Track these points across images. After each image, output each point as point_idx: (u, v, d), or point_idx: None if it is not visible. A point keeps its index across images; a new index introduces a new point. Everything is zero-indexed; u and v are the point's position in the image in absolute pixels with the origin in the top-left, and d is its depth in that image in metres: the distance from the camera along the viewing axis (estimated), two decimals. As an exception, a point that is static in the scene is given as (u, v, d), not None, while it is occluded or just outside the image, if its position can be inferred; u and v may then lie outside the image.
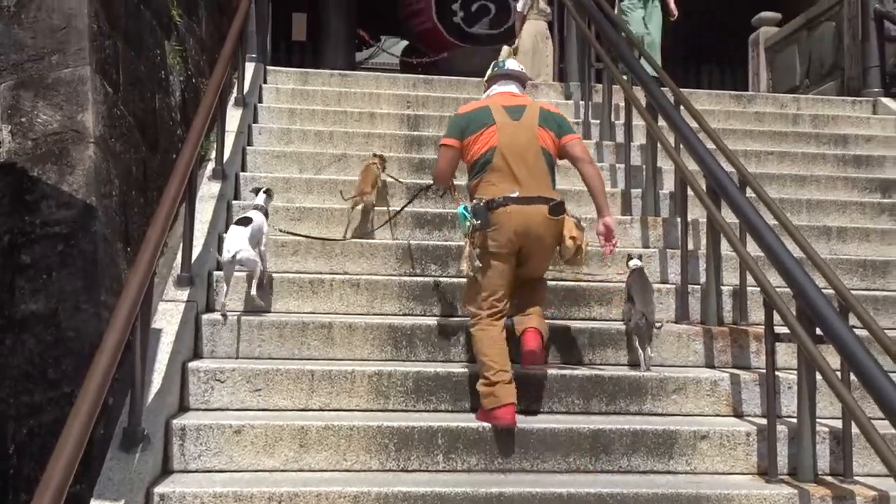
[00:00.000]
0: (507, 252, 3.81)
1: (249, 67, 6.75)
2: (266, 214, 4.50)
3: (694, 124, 5.46)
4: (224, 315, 4.12)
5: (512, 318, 3.92)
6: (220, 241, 4.67)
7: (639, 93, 5.75)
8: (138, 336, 3.10)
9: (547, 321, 4.05)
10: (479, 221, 3.79)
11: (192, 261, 4.17)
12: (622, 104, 6.13)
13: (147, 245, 3.30)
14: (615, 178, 5.97)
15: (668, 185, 5.71)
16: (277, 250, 4.74)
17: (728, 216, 4.36)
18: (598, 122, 6.62)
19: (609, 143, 6.38)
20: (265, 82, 7.07)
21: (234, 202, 5.10)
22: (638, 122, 5.87)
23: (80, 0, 3.93)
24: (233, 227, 4.31)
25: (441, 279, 4.61)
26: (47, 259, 3.54)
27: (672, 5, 8.40)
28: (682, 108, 5.60)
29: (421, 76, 7.54)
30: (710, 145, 5.18)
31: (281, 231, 4.92)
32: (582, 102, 7.03)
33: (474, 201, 3.87)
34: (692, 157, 4.74)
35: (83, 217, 3.64)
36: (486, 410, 3.65)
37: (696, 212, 5.08)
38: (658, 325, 4.23)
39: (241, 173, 5.46)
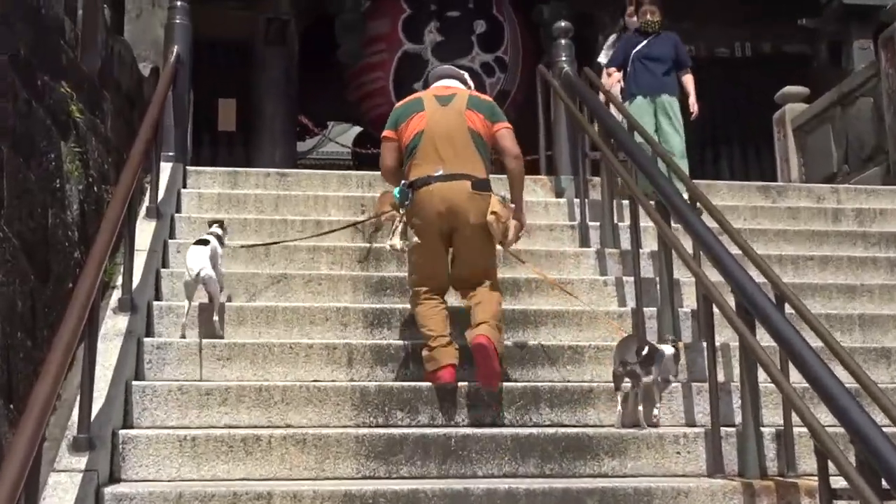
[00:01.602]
0: (435, 230, 4.89)
1: (165, 168, 6.82)
2: (220, 241, 5.38)
3: (714, 224, 5.58)
4: (183, 336, 5.03)
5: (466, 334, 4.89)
6: (129, 390, 4.62)
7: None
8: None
9: (546, 478, 4.26)
10: (405, 202, 4.91)
11: (93, 418, 4.08)
12: (626, 202, 6.26)
13: (34, 403, 3.23)
14: (622, 295, 6.01)
15: (689, 301, 5.76)
16: (201, 399, 4.68)
17: (764, 338, 4.39)
18: (598, 224, 6.73)
19: (612, 251, 6.46)
20: (185, 186, 7.14)
21: (146, 339, 5.05)
22: (646, 223, 5.97)
23: (-45, 99, 3.98)
24: (192, 247, 5.17)
25: (410, 430, 4.56)
26: None
27: (692, 100, 8.23)
28: (699, 205, 5.74)
29: (377, 172, 7.62)
30: (736, 250, 5.27)
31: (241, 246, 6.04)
32: (576, 200, 7.16)
33: (403, 182, 4.98)
34: (716, 267, 4.80)
35: (-47, 369, 3.58)
36: (428, 373, 4.83)
37: (725, 333, 5.10)
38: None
39: (156, 302, 5.43)
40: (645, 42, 8.35)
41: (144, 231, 5.83)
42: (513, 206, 5.15)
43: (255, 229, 6.49)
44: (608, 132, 6.71)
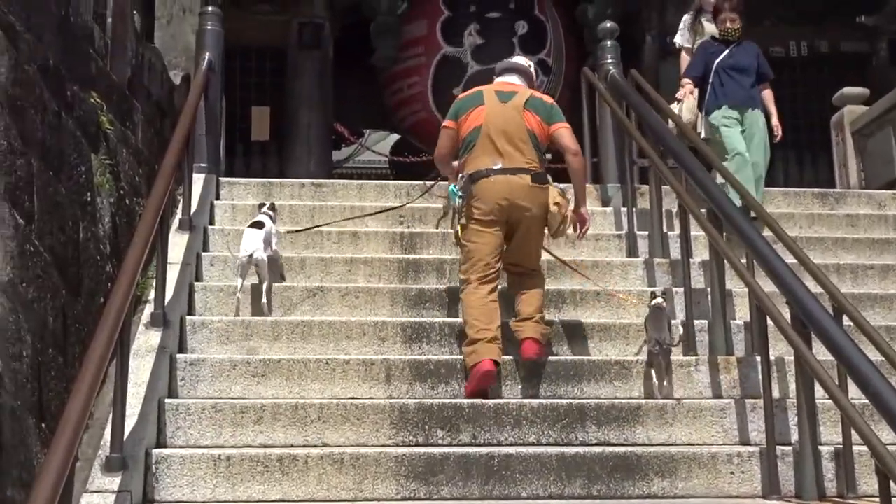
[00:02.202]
0: (494, 219, 5.19)
1: (198, 180, 6.92)
2: (272, 219, 5.89)
3: (768, 233, 5.56)
4: (237, 314, 5.55)
5: (511, 326, 5.28)
6: (162, 408, 4.68)
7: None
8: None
9: (593, 499, 4.21)
10: (462, 195, 5.23)
11: (125, 437, 4.15)
12: (675, 209, 6.25)
13: (66, 422, 3.29)
14: (672, 307, 5.99)
15: (741, 313, 5.74)
16: (236, 417, 4.73)
17: (821, 352, 4.37)
18: (647, 233, 6.73)
19: (662, 261, 6.45)
20: (218, 198, 7.23)
21: (178, 355, 5.12)
22: (697, 232, 5.95)
23: (-15, 113, 4.07)
24: (247, 230, 5.69)
25: (451, 450, 4.57)
26: (-64, 444, 3.53)
27: (775, 121, 7.75)
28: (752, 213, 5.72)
29: (416, 182, 7.69)
30: (791, 259, 5.25)
31: (289, 232, 6.47)
32: (624, 209, 7.16)
33: (461, 175, 5.31)
34: (770, 278, 4.80)
35: (-16, 386, 3.65)
36: (468, 369, 4.98)
37: (780, 347, 5.09)
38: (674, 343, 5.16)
39: (188, 317, 5.50)
40: (727, 51, 7.82)
41: (177, 244, 5.91)
42: (570, 197, 5.47)
43: (290, 241, 6.56)
44: (657, 138, 6.70)
